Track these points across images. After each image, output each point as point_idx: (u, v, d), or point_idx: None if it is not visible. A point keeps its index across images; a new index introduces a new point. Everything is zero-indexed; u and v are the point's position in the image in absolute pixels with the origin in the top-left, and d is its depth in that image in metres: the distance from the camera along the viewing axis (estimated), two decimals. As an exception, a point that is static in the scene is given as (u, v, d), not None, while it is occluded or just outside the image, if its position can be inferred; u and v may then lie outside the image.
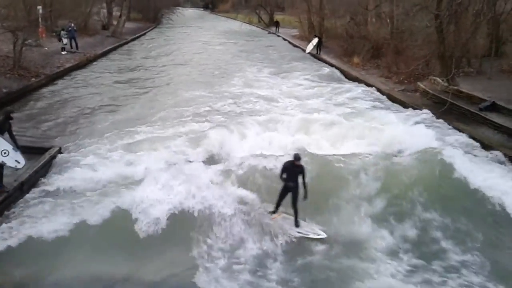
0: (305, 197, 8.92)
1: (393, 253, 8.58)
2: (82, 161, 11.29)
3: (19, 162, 9.32)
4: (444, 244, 8.81)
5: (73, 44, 26.87)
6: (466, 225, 9.23)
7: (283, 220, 9.31)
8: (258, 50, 34.78)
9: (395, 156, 11.70)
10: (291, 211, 9.23)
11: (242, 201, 9.58)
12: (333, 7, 35.50)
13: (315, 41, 31.60)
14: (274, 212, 9.36)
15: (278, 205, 9.33)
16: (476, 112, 14.88)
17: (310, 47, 32.02)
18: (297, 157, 8.85)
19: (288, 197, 9.15)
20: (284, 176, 9.02)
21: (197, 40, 41.69)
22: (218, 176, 10.43)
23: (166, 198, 9.25)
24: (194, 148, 12.34)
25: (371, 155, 11.54)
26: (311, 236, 8.95)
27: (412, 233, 9.10)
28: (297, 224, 9.12)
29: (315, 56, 30.94)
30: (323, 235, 8.93)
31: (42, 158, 11.09)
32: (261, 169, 10.52)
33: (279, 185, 9.23)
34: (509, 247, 8.94)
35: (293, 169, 8.90)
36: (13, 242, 7.92)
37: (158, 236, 8.59)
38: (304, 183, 8.90)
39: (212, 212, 9.12)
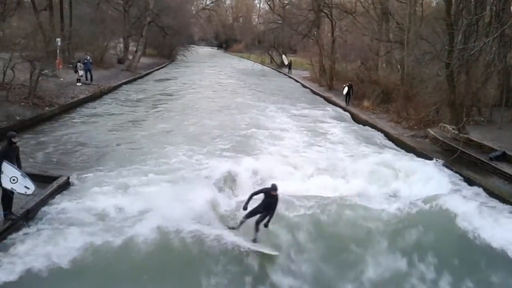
0: (266, 225, 9.48)
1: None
2: (90, 192, 11.24)
3: (28, 188, 9.22)
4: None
5: (88, 76, 27.48)
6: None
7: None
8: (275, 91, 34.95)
9: (407, 203, 11.30)
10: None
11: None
12: (344, 51, 36.14)
13: (345, 90, 28.06)
14: (233, 228, 9.89)
15: (241, 223, 9.84)
16: (487, 161, 14.76)
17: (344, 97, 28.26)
18: (274, 188, 9.43)
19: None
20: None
21: (210, 77, 42.18)
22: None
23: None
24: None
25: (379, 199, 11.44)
26: (265, 251, 9.29)
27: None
28: (255, 241, 9.55)
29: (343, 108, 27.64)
30: (275, 253, 9.31)
31: (50, 187, 11.04)
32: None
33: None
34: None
35: (269, 197, 9.44)
36: (13, 275, 7.83)
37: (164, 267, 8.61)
38: (272, 213, 9.44)
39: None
